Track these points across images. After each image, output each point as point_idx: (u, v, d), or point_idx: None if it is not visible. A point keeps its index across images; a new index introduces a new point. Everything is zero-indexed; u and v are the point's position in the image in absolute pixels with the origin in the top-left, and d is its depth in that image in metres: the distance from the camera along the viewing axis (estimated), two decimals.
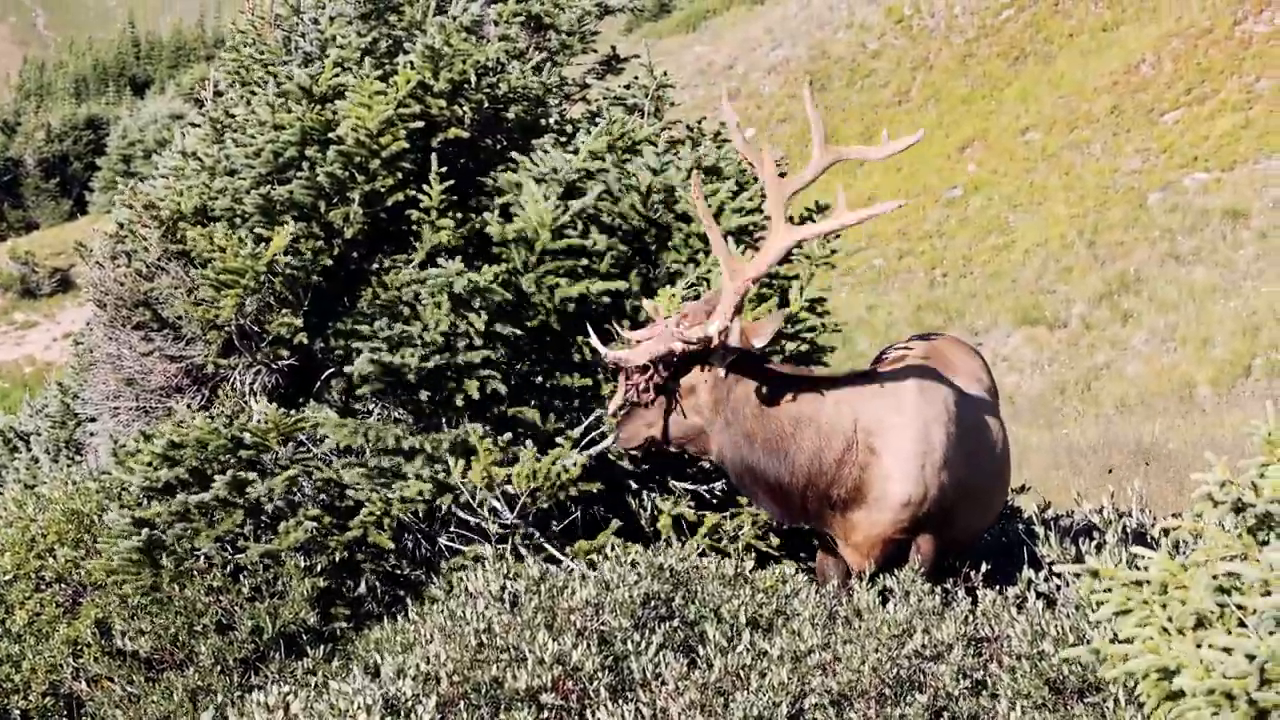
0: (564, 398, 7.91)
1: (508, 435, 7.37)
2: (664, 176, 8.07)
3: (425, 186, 7.87)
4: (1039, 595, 6.15)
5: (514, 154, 8.30)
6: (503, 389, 7.49)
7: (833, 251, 8.12)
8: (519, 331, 7.58)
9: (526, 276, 7.65)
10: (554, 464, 7.16)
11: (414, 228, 7.98)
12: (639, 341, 6.62)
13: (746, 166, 8.44)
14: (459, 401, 7.43)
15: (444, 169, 7.91)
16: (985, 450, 7.05)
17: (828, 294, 8.09)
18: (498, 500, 7.21)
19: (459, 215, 8.00)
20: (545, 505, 7.24)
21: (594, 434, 7.54)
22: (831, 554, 6.95)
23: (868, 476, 6.66)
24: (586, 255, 7.77)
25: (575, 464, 7.20)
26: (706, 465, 7.62)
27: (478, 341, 7.42)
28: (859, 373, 7.01)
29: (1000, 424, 7.28)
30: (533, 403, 7.77)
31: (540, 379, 7.86)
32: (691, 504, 7.77)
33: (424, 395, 7.50)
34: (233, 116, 8.83)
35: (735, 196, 8.02)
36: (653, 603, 5.93)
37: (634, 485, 7.82)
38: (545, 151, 8.22)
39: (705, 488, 7.80)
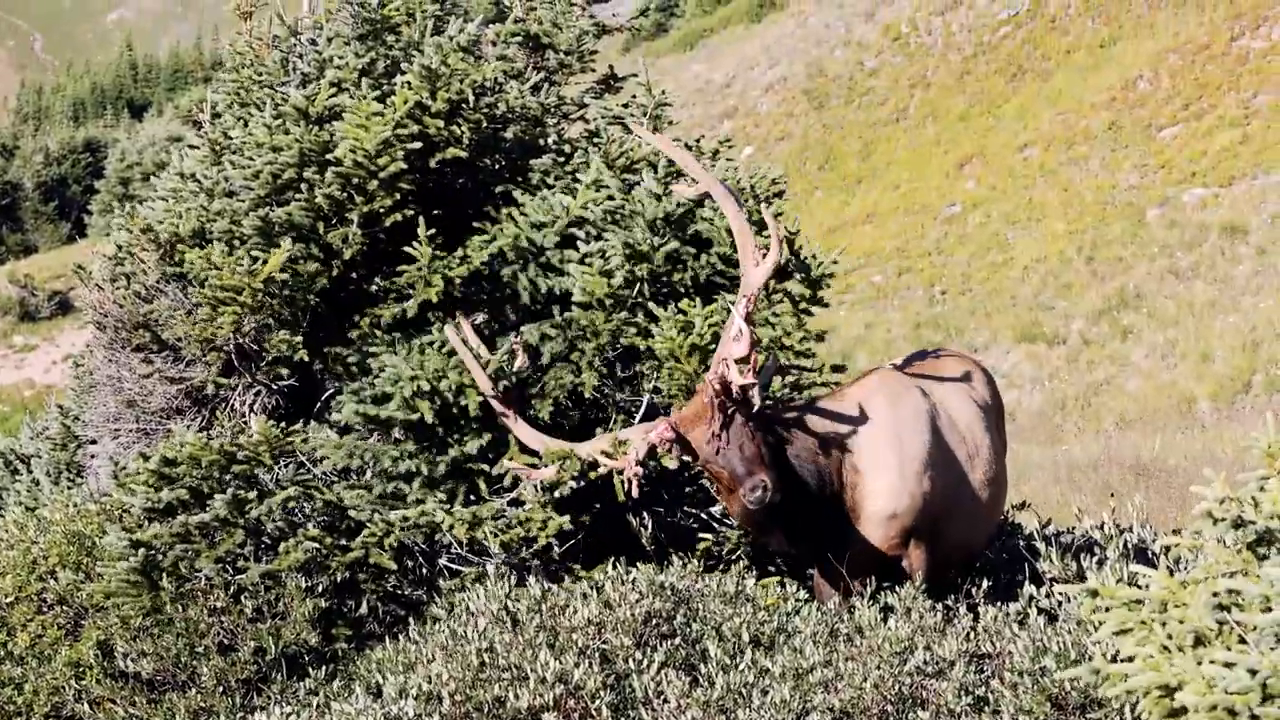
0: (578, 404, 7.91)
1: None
2: (664, 203, 7.98)
3: (416, 238, 7.82)
4: (1040, 611, 6.15)
5: (514, 191, 8.27)
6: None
7: (829, 275, 8.05)
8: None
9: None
10: (531, 519, 7.24)
11: (413, 248, 7.96)
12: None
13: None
14: (460, 422, 7.43)
15: (443, 187, 7.93)
16: (974, 461, 7.15)
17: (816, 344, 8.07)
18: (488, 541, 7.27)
19: (457, 248, 7.98)
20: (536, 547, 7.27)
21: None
22: (827, 575, 6.97)
23: (857, 495, 6.81)
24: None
25: (550, 525, 7.24)
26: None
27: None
28: (833, 396, 7.16)
29: (995, 437, 7.34)
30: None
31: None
32: (694, 524, 7.76)
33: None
34: (230, 138, 8.80)
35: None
36: (654, 621, 5.93)
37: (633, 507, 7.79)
38: (544, 199, 8.15)
39: (704, 511, 7.79)
